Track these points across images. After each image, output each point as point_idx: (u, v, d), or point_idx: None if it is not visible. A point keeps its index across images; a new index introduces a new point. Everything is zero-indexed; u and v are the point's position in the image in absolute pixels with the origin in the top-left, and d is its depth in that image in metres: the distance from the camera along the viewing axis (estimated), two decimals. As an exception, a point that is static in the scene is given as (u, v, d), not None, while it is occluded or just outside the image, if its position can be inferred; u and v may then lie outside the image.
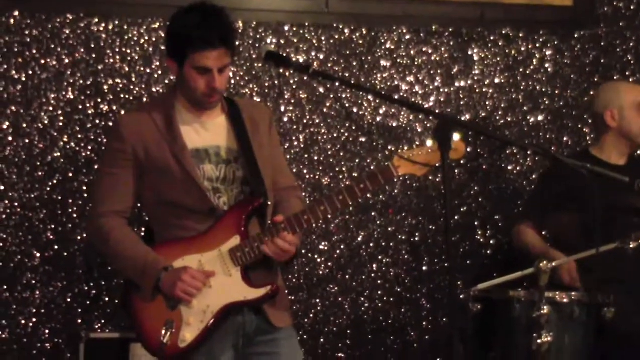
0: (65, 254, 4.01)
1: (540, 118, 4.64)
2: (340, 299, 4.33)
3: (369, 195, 3.15)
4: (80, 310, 4.01)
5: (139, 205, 3.33)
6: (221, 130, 3.22)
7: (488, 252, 4.53)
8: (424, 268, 4.44)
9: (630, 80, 4.74)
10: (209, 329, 3.08)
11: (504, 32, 4.60)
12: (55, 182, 4.00)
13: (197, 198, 3.12)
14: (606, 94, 4.17)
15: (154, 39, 4.12)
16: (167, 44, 3.18)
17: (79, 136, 4.03)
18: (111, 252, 3.19)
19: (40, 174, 4.00)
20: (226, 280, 3.09)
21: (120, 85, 4.08)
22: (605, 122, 4.12)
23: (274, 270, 3.22)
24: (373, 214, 4.38)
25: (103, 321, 4.02)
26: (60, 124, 4.01)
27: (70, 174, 4.02)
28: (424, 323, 4.44)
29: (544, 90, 4.65)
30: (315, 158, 4.32)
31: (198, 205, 3.13)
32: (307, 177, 4.30)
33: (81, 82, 4.04)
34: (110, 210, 3.17)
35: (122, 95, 4.08)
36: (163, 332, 2.99)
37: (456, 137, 3.02)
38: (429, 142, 3.13)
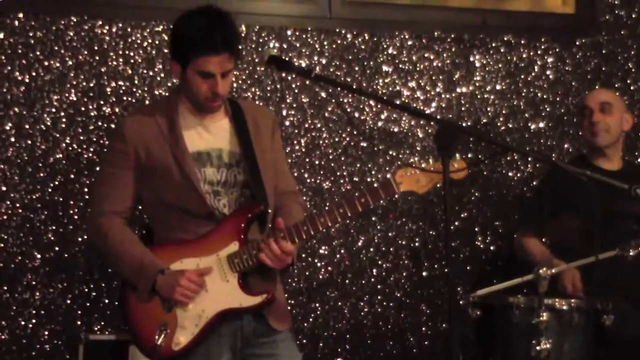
0: (66, 255, 4.01)
1: (541, 125, 4.65)
2: (339, 304, 4.34)
3: (369, 200, 3.15)
4: (80, 312, 4.02)
5: (139, 206, 3.34)
6: (224, 134, 3.22)
7: (488, 257, 4.54)
8: (424, 273, 4.45)
9: (631, 88, 4.76)
10: (203, 333, 3.08)
11: (505, 39, 4.61)
12: (56, 183, 4.01)
13: (195, 202, 3.12)
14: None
15: (157, 42, 4.13)
16: (171, 47, 3.18)
17: (81, 138, 4.04)
18: (109, 252, 3.19)
19: (42, 175, 4.00)
20: (223, 286, 3.10)
21: (123, 88, 4.09)
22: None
23: (273, 276, 3.21)
24: (373, 218, 4.39)
25: (103, 323, 4.03)
26: (63, 125, 4.02)
27: (72, 176, 4.03)
28: (424, 328, 4.44)
29: (545, 97, 4.66)
30: (317, 162, 4.33)
31: (197, 209, 3.13)
32: (308, 181, 4.31)
33: (84, 84, 4.05)
34: (110, 210, 3.17)
35: (124, 98, 4.09)
36: (157, 334, 3.00)
37: (458, 157, 3.07)
38: (430, 161, 3.16)
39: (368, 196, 3.12)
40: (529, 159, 4.58)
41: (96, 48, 4.07)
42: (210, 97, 3.12)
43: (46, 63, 4.02)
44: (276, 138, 3.34)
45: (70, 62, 4.04)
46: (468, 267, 4.51)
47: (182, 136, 3.15)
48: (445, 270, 4.36)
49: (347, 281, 4.36)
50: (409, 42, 4.47)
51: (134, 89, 4.10)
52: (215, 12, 3.12)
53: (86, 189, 4.02)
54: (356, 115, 4.39)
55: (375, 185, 3.17)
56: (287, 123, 4.28)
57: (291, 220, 3.15)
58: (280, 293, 3.26)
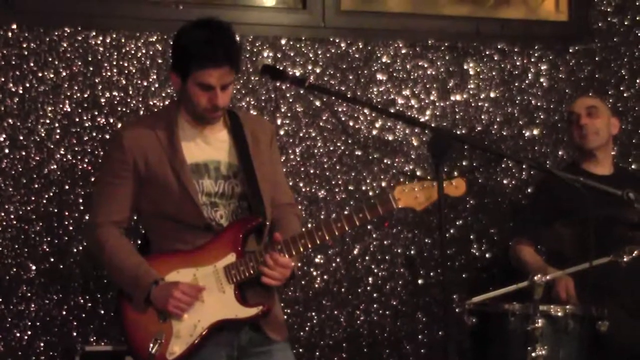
0: (61, 266, 4.00)
1: (535, 132, 4.66)
2: (335, 312, 4.34)
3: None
4: (75, 323, 4.01)
5: (136, 216, 3.34)
6: (222, 145, 3.23)
7: (483, 265, 4.54)
8: (420, 281, 4.45)
9: (625, 95, 4.78)
10: (197, 343, 3.08)
11: (499, 47, 4.62)
12: (51, 194, 4.01)
13: (192, 213, 3.13)
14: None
15: (151, 52, 4.13)
16: (172, 58, 3.18)
17: (76, 149, 4.04)
18: (106, 262, 3.20)
19: (36, 186, 4.00)
20: (219, 297, 3.10)
21: (117, 98, 4.09)
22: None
23: (269, 288, 3.20)
24: (369, 227, 4.39)
25: (98, 334, 4.02)
26: (57, 136, 4.02)
27: (67, 187, 4.03)
28: (420, 336, 4.44)
29: (539, 104, 4.67)
30: (311, 171, 4.34)
31: (193, 221, 3.13)
32: (303, 190, 4.31)
33: (78, 94, 4.05)
34: (108, 221, 3.18)
35: (119, 108, 4.09)
36: (152, 343, 3.00)
37: (456, 175, 3.09)
38: (429, 178, 3.20)
39: (366, 212, 3.15)
40: (524, 166, 4.59)
41: (90, 59, 4.07)
42: (210, 109, 3.12)
43: (40, 74, 4.02)
44: (274, 150, 3.35)
45: (64, 73, 4.04)
46: (463, 275, 4.51)
47: (180, 148, 3.16)
48: (441, 278, 4.36)
49: (343, 290, 4.35)
50: (403, 51, 4.48)
51: (128, 100, 4.11)
52: (217, 25, 3.12)
53: (81, 200, 4.02)
54: (351, 124, 4.40)
55: (374, 201, 3.18)
56: (282, 132, 4.29)
57: (289, 232, 3.17)
58: (276, 304, 3.26)
